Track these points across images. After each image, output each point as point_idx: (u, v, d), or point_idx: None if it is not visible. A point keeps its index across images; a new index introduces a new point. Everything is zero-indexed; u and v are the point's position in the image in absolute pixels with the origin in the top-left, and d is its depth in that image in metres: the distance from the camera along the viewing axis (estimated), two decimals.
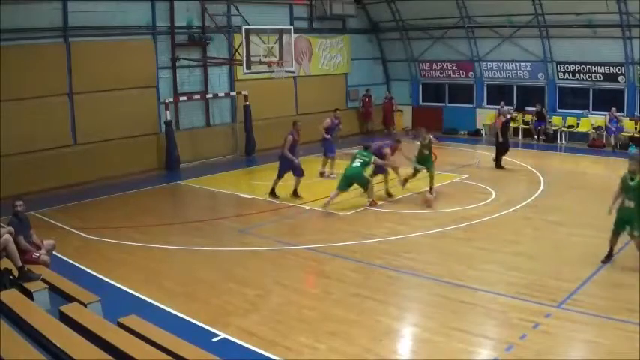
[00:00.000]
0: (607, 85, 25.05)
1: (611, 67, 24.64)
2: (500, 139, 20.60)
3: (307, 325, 9.33)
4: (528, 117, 26.96)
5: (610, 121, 24.15)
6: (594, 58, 24.90)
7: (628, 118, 24.39)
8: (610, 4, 22.84)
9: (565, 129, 25.92)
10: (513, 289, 10.47)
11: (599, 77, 25.04)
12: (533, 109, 26.49)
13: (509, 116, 22.54)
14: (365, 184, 16.23)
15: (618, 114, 24.30)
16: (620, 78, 24.54)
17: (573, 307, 9.61)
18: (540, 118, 26.23)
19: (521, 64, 27.10)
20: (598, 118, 24.97)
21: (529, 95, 27.49)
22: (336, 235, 13.92)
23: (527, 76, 27.18)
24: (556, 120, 26.18)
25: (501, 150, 20.76)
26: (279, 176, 17.39)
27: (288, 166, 17.22)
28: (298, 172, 17.24)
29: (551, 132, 25.95)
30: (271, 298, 10.56)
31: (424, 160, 17.08)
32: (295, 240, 13.68)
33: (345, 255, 12.58)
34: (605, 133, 24.60)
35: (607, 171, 21.64)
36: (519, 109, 27.45)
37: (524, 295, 10.19)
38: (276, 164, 17.32)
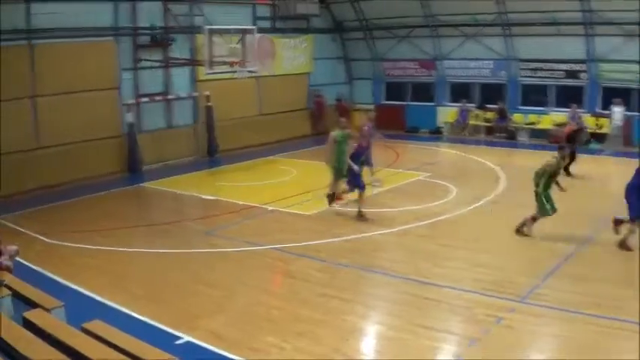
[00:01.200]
0: (569, 82, 25.42)
1: (572, 65, 25.04)
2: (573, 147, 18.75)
3: (275, 326, 9.33)
4: (490, 114, 27.28)
5: (572, 117, 24.43)
6: (557, 56, 25.26)
7: (589, 115, 24.75)
8: (572, 2, 23.18)
9: (526, 126, 26.27)
10: (479, 285, 10.58)
11: (561, 74, 25.44)
12: (496, 106, 26.80)
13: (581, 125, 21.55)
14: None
15: (579, 110, 24.63)
16: (582, 75, 24.95)
17: (537, 302, 9.75)
18: (502, 115, 26.54)
19: (484, 62, 27.37)
20: (559, 115, 25.32)
21: (492, 93, 27.71)
22: (301, 235, 13.91)
23: (489, 74, 27.47)
24: (518, 117, 26.52)
25: (572, 156, 18.80)
26: (349, 189, 15.57)
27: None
28: (356, 183, 15.07)
29: (513, 129, 26.23)
30: (238, 299, 10.54)
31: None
32: (261, 240, 13.62)
33: (310, 255, 12.58)
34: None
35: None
36: (481, 106, 27.77)
37: (489, 290, 10.30)
38: (239, 165, 16.98)
